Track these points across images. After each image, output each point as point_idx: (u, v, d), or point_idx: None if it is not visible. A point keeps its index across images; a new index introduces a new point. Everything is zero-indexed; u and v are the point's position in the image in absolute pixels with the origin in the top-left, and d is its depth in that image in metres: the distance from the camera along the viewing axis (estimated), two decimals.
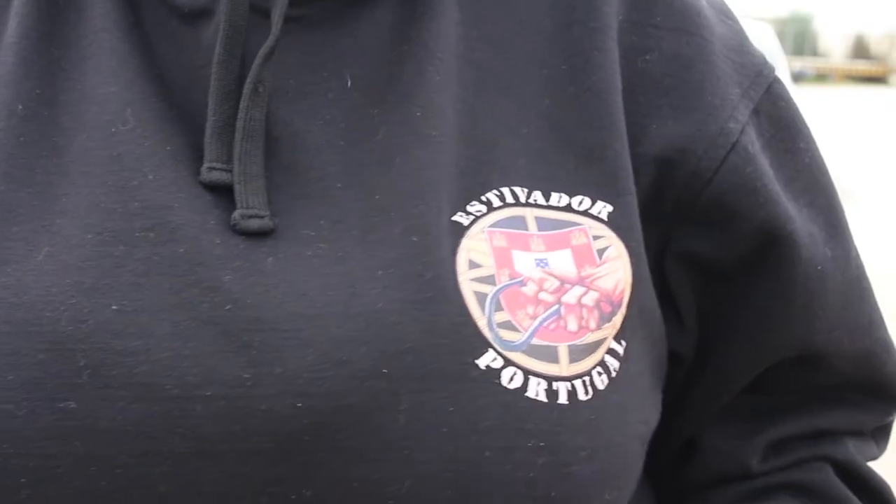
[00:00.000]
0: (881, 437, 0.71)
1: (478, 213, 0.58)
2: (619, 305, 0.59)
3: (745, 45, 0.66)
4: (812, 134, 0.67)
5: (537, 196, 0.59)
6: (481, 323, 0.55)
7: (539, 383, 0.55)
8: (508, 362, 0.55)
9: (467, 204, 0.58)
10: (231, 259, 0.55)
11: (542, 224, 0.58)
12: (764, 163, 0.63)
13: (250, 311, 0.54)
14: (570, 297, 0.57)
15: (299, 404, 0.52)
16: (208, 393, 0.52)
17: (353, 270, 0.55)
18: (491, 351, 0.54)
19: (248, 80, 0.57)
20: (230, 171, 0.57)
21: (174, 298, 0.54)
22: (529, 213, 0.59)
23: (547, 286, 0.57)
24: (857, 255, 0.68)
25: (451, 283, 0.55)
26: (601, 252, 0.59)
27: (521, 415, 0.54)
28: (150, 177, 0.56)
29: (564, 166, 0.60)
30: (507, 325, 0.56)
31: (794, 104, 0.67)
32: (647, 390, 0.61)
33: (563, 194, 0.59)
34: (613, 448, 0.56)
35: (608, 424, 0.56)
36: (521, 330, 0.56)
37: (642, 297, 0.60)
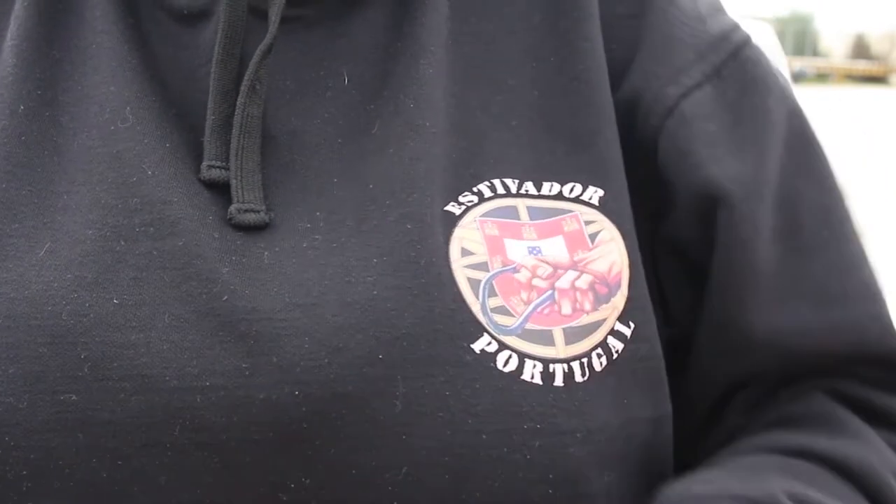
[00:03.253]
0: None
1: (469, 204, 0.59)
2: (618, 286, 0.59)
3: (712, 13, 0.65)
4: (791, 95, 0.65)
5: (528, 186, 0.60)
6: (475, 308, 0.56)
7: (535, 366, 0.55)
8: (503, 346, 0.55)
9: (459, 195, 0.59)
10: (229, 253, 0.56)
11: (534, 213, 0.59)
12: (708, 126, 0.62)
13: (247, 301, 0.54)
14: (564, 281, 0.58)
15: (297, 393, 0.53)
16: (207, 384, 0.53)
17: (349, 260, 0.55)
18: (486, 335, 0.55)
19: (246, 77, 0.58)
20: (229, 168, 0.57)
21: (173, 292, 0.54)
22: (521, 204, 0.59)
23: (540, 272, 0.58)
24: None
25: (445, 270, 0.56)
26: (593, 236, 0.59)
27: (516, 398, 0.54)
28: (150, 173, 0.57)
29: (555, 155, 0.61)
30: (501, 310, 0.56)
31: (769, 67, 0.65)
32: (655, 371, 0.59)
33: (554, 183, 0.60)
34: (610, 430, 0.56)
35: (605, 406, 0.56)
36: (515, 315, 0.56)
37: (640, 279, 0.60)
